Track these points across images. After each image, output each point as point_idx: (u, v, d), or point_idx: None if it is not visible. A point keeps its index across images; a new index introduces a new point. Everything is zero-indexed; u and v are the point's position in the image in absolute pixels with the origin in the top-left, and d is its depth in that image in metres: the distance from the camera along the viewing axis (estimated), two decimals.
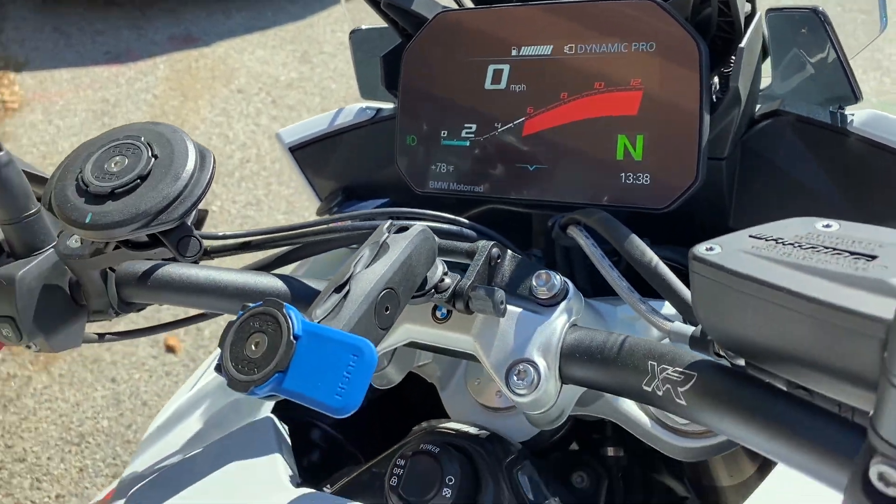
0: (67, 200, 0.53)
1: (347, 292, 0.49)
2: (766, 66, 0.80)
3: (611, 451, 0.74)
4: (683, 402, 0.46)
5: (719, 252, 0.43)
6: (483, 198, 0.75)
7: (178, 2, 5.07)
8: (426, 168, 0.77)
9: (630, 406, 0.64)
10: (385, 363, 0.66)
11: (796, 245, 0.42)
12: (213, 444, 0.69)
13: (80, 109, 4.06)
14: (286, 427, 0.71)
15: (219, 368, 0.45)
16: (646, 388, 0.49)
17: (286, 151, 0.93)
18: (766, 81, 0.81)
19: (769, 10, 0.73)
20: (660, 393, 0.48)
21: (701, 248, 0.43)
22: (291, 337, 0.43)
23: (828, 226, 0.43)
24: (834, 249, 0.40)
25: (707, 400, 0.45)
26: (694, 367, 0.46)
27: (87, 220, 0.52)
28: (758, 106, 0.78)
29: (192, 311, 0.73)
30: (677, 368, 0.47)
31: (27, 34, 4.87)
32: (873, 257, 0.39)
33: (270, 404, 0.77)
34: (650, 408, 0.64)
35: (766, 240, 0.43)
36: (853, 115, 0.70)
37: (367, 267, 0.51)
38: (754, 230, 0.44)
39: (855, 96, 0.70)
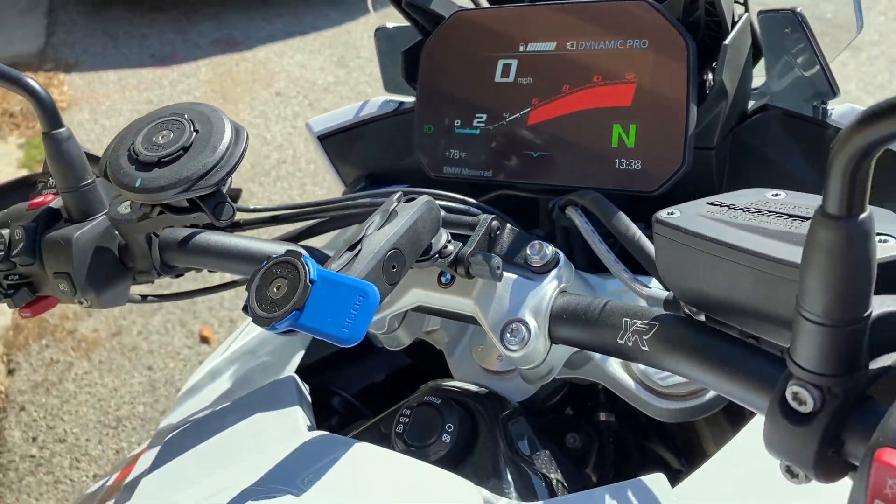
0: (120, 168, 0.61)
1: (359, 251, 0.56)
2: (762, 66, 0.85)
3: (602, 416, 0.80)
4: (647, 349, 0.52)
5: (679, 216, 0.49)
6: (492, 182, 0.81)
7: (222, 7, 5.23)
8: (441, 154, 0.84)
9: (616, 370, 0.70)
10: (396, 325, 0.72)
11: (745, 210, 0.48)
12: (240, 398, 0.76)
13: (126, 109, 4.21)
14: (307, 386, 0.78)
15: (245, 308, 0.52)
16: (619, 341, 0.55)
17: (315, 140, 1.00)
18: (761, 80, 0.87)
19: (760, 12, 0.79)
20: (630, 344, 0.54)
21: (663, 213, 0.50)
22: (308, 281, 0.50)
23: (776, 195, 0.49)
24: (776, 213, 0.46)
25: (664, 345, 0.51)
26: (657, 319, 0.53)
27: (136, 184, 0.60)
28: (751, 102, 0.84)
29: (228, 279, 0.81)
30: (644, 321, 0.53)
31: (77, 38, 5.06)
32: (808, 219, 0.45)
33: (294, 365, 0.84)
34: (635, 372, 0.70)
35: (721, 206, 0.49)
36: (832, 109, 0.76)
37: (378, 230, 0.58)
38: (712, 198, 0.50)
39: (833, 92, 0.75)
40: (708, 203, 0.49)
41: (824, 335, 0.37)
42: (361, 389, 0.99)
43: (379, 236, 0.57)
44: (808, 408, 0.39)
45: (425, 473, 0.59)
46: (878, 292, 0.37)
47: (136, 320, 2.76)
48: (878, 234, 0.44)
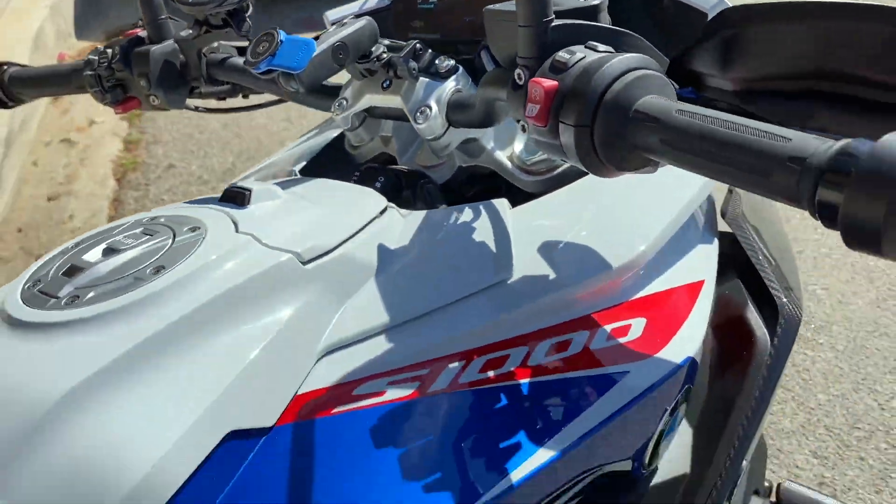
0: None
1: (319, 42, 0.91)
2: None
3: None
4: (475, 102, 0.85)
5: (501, 5, 0.81)
6: (438, 40, 1.15)
7: None
8: (408, 24, 1.18)
9: (501, 156, 1.01)
10: (357, 124, 1.05)
11: None
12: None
13: None
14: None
15: (246, 60, 0.87)
16: (476, 111, 0.87)
17: (329, 26, 1.36)
18: None
19: None
20: (476, 107, 0.86)
21: (490, 6, 0.82)
22: (279, 41, 0.85)
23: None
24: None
25: (481, 91, 0.83)
26: None
27: (190, 0, 0.96)
28: None
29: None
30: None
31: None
32: None
33: (299, 166, 1.18)
34: (513, 158, 1.01)
35: None
36: None
37: (333, 34, 0.92)
38: None
39: None
40: None
41: (525, 33, 0.69)
42: None
43: (332, 34, 0.92)
44: (522, 81, 0.71)
45: (354, 188, 0.93)
46: None
47: None
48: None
